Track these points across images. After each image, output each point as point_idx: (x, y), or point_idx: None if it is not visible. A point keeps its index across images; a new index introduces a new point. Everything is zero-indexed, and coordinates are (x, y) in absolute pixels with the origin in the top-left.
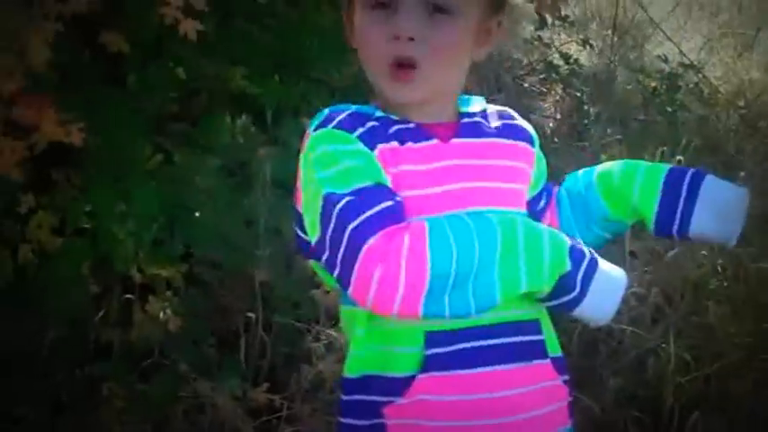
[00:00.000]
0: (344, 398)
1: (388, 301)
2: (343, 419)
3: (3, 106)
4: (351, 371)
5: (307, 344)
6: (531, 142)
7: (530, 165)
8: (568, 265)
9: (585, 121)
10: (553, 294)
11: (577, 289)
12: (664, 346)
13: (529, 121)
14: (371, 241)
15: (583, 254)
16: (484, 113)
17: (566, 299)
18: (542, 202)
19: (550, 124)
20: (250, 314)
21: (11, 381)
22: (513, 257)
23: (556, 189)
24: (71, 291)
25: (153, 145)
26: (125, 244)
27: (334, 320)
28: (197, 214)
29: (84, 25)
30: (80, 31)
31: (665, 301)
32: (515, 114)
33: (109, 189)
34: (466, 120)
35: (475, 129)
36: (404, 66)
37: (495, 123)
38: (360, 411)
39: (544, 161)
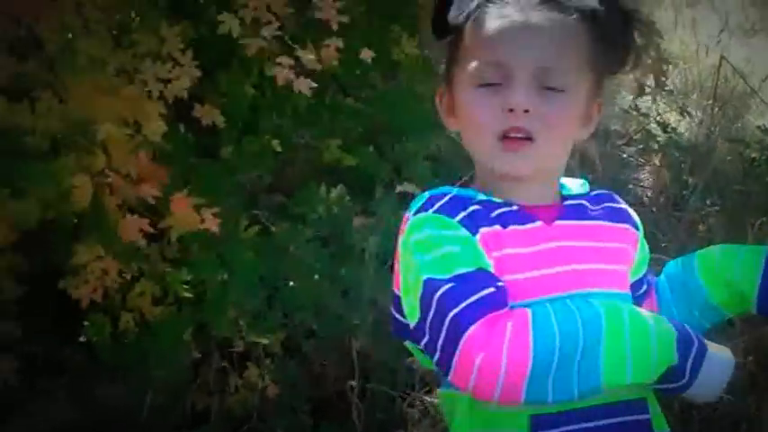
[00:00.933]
0: None
1: (489, 388)
2: None
3: (131, 185)
4: None
5: (402, 410)
6: (635, 226)
7: (633, 247)
8: (676, 359)
9: (684, 192)
10: (660, 381)
11: (686, 378)
12: (758, 413)
13: (627, 190)
14: (473, 329)
15: (691, 343)
16: (587, 196)
17: (673, 386)
18: (643, 289)
19: (648, 194)
20: (348, 381)
21: None
22: (620, 346)
23: (654, 279)
24: (172, 358)
25: (249, 216)
26: (228, 313)
27: (428, 387)
28: (291, 283)
29: (178, 99)
30: (174, 105)
31: (761, 370)
32: (619, 198)
33: (212, 259)
34: (569, 202)
35: (578, 211)
36: (517, 138)
37: (598, 206)
38: None
39: (647, 247)
